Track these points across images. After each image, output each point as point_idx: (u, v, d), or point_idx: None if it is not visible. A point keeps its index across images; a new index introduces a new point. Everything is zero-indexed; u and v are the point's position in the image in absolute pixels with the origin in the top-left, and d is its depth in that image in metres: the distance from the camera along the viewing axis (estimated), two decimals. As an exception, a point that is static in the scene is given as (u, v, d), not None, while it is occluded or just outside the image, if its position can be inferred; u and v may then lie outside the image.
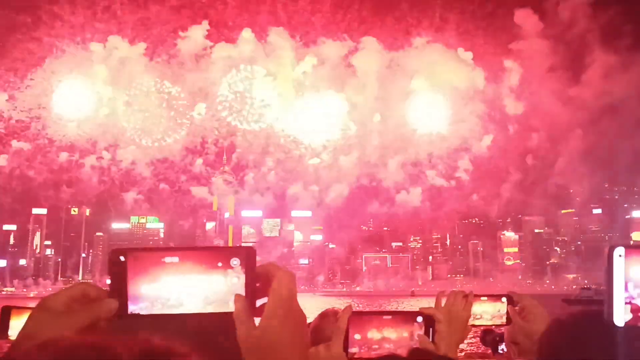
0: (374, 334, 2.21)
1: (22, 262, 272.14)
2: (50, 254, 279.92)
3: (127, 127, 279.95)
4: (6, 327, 3.42)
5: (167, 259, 1.37)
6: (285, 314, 1.36)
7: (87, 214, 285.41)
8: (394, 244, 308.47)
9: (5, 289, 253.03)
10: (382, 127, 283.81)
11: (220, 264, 1.40)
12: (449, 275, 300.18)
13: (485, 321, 3.28)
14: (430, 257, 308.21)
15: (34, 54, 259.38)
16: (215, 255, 1.41)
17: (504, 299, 3.24)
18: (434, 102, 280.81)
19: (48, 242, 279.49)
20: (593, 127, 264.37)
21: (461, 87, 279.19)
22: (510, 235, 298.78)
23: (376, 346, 2.21)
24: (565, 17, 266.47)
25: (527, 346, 3.04)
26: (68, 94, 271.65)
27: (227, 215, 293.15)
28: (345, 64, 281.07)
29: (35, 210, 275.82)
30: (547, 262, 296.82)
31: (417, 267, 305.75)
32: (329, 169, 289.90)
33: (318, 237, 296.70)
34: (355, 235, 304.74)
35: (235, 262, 1.41)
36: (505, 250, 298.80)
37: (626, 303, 1.33)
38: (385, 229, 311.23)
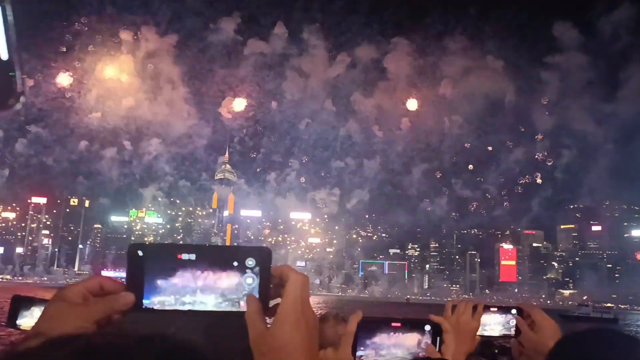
0: (382, 340, 2.26)
1: (19, 250, 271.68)
2: (47, 244, 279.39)
3: (152, 121, 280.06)
4: (15, 316, 3.51)
5: (184, 256, 1.39)
6: (297, 316, 1.38)
7: (87, 205, 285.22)
8: (391, 251, 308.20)
9: None
10: (408, 133, 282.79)
11: (236, 264, 1.41)
12: (444, 285, 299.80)
13: (495, 332, 3.26)
14: (427, 266, 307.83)
15: (61, 42, 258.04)
16: (231, 254, 1.42)
17: (514, 311, 3.25)
18: (463, 110, 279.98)
19: (46, 232, 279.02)
20: (624, 145, 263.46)
21: (491, 96, 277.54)
22: (508, 247, 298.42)
23: (384, 352, 2.25)
24: (607, 32, 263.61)
25: (532, 354, 3.07)
26: (94, 83, 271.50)
27: (226, 213, 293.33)
28: (377, 67, 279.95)
29: (34, 199, 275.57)
30: (544, 277, 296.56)
31: (414, 275, 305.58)
32: (352, 174, 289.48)
33: (316, 240, 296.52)
34: (353, 239, 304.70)
35: (251, 262, 1.42)
36: (502, 263, 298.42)
37: None
38: (383, 235, 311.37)
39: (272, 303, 1.42)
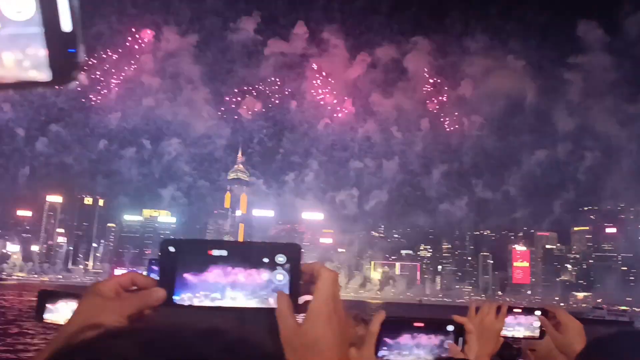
0: (404, 340, 2.26)
1: (34, 248, 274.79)
2: (63, 242, 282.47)
3: (171, 121, 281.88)
4: (42, 310, 3.59)
5: (215, 252, 1.41)
6: (329, 313, 1.39)
7: (101, 204, 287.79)
8: (403, 252, 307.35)
9: (16, 274, 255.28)
10: (428, 133, 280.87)
11: (266, 260, 1.42)
12: (457, 287, 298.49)
13: (518, 334, 3.28)
14: (440, 267, 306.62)
15: (84, 42, 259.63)
16: (261, 250, 1.43)
17: (538, 312, 3.26)
18: (484, 110, 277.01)
19: (61, 230, 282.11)
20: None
21: (513, 96, 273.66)
22: (521, 249, 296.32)
23: (406, 352, 2.26)
24: (633, 32, 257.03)
25: (545, 352, 3.12)
26: (114, 84, 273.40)
27: (239, 213, 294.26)
28: (397, 68, 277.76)
29: (49, 198, 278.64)
30: (558, 279, 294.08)
31: (426, 276, 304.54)
32: (372, 175, 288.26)
33: (328, 240, 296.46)
34: (365, 240, 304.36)
35: (281, 258, 1.43)
36: (516, 264, 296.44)
37: None
38: (395, 236, 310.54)
39: (301, 300, 1.43)
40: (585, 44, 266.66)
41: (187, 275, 1.41)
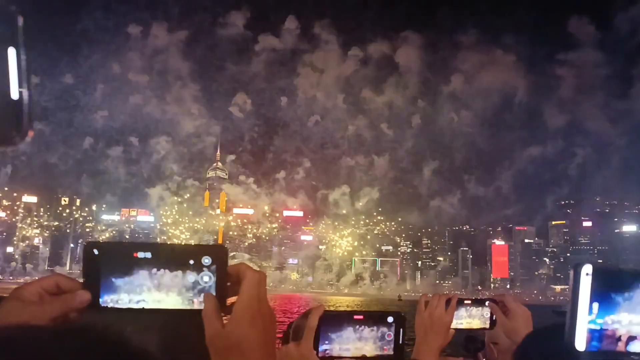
0: (347, 334, 2.26)
1: (9, 249, 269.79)
2: (39, 243, 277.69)
3: (160, 119, 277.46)
4: None
5: (140, 254, 1.38)
6: (253, 314, 1.37)
7: (77, 204, 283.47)
8: (383, 248, 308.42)
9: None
10: (419, 130, 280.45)
11: (192, 262, 1.41)
12: (437, 282, 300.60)
13: (470, 325, 3.25)
14: (420, 263, 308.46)
15: (69, 39, 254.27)
16: (187, 252, 1.42)
17: (487, 303, 3.28)
18: (474, 106, 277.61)
19: (37, 231, 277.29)
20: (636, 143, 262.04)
21: (503, 93, 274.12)
22: (500, 244, 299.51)
23: (349, 345, 2.26)
24: (624, 28, 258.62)
25: (508, 346, 3.08)
26: (100, 81, 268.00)
27: (218, 211, 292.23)
28: (389, 64, 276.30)
29: (25, 198, 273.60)
30: (536, 273, 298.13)
31: (406, 271, 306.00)
32: (363, 173, 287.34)
33: (308, 238, 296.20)
34: (348, 237, 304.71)
35: (206, 260, 1.41)
36: (495, 259, 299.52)
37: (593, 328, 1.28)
38: (374, 231, 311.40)
39: (230, 302, 1.42)
40: (577, 40, 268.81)
41: (112, 278, 1.39)
